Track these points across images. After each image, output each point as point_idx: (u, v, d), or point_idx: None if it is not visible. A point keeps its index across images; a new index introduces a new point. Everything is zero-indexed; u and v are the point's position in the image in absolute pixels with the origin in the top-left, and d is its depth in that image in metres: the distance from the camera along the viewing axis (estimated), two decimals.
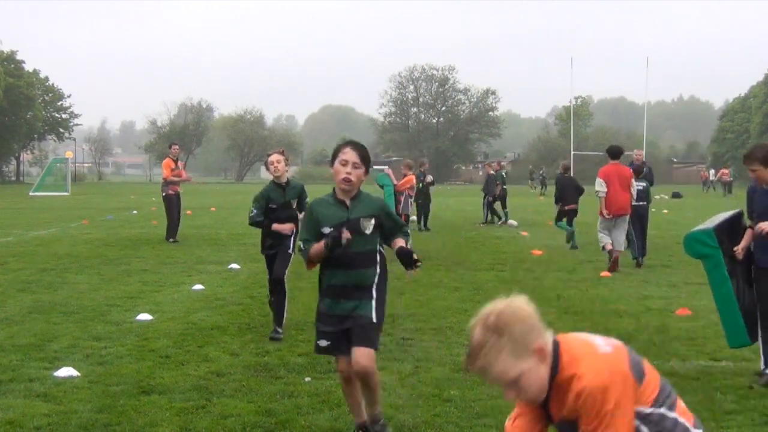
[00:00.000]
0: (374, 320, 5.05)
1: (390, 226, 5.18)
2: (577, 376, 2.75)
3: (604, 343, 2.88)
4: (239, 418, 5.69)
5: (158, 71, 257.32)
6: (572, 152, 77.45)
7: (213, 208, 33.22)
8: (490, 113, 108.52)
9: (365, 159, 5.07)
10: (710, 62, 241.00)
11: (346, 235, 4.89)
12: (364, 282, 5.06)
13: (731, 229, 6.86)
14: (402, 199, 16.69)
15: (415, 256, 5.07)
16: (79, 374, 6.76)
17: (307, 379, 6.71)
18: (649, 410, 2.85)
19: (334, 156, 5.11)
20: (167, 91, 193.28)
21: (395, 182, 16.85)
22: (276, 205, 8.20)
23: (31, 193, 47.80)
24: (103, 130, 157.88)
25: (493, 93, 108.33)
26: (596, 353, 2.82)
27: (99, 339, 8.17)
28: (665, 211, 32.04)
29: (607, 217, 13.93)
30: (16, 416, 5.68)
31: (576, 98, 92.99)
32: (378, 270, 5.14)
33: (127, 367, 7.05)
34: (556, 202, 18.74)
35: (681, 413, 2.92)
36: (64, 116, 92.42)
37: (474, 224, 25.00)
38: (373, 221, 5.02)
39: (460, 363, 6.82)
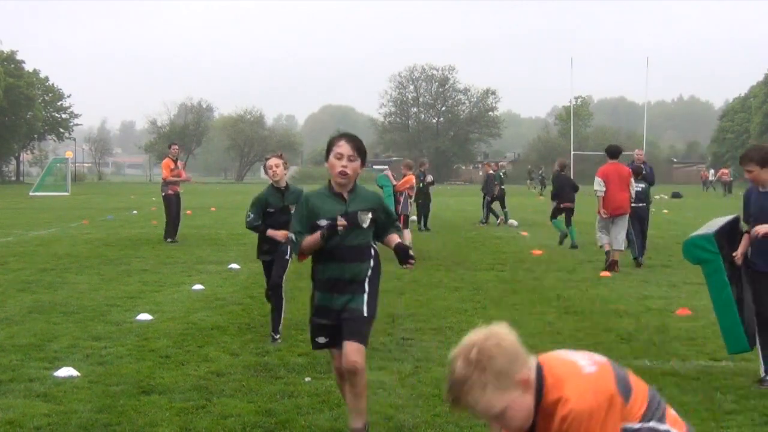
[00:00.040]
0: (365, 314, 5.01)
1: (384, 221, 5.17)
2: (562, 400, 2.67)
3: (588, 363, 2.80)
4: (239, 418, 5.69)
5: (158, 71, 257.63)
6: (572, 152, 77.45)
7: (213, 208, 33.22)
8: (490, 113, 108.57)
9: (361, 151, 5.00)
10: (710, 62, 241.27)
11: (342, 222, 4.87)
12: (357, 276, 5.02)
13: (730, 235, 6.85)
14: (401, 200, 16.67)
15: (410, 252, 5.06)
16: (79, 374, 6.76)
17: (307, 379, 6.71)
18: (637, 426, 2.78)
19: (329, 149, 5.04)
20: (167, 91, 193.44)
21: (395, 183, 16.84)
22: (274, 209, 8.10)
23: (31, 193, 47.80)
24: (103, 130, 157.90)
25: (493, 93, 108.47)
26: (580, 374, 2.74)
27: (99, 339, 8.18)
28: (665, 211, 32.04)
29: (604, 216, 13.97)
30: (16, 416, 5.68)
31: (576, 98, 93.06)
32: (371, 264, 5.10)
33: (127, 367, 7.05)
34: (553, 198, 18.80)
35: (672, 423, 2.85)
36: (64, 116, 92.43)
37: (473, 224, 25.01)
38: (370, 215, 5.00)
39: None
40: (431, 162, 50.08)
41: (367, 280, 5.06)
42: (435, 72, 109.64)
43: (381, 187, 17.14)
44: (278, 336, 8.11)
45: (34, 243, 18.01)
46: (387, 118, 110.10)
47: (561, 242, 18.05)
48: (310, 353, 7.17)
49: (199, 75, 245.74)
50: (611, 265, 13.75)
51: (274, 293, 8.18)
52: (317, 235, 4.95)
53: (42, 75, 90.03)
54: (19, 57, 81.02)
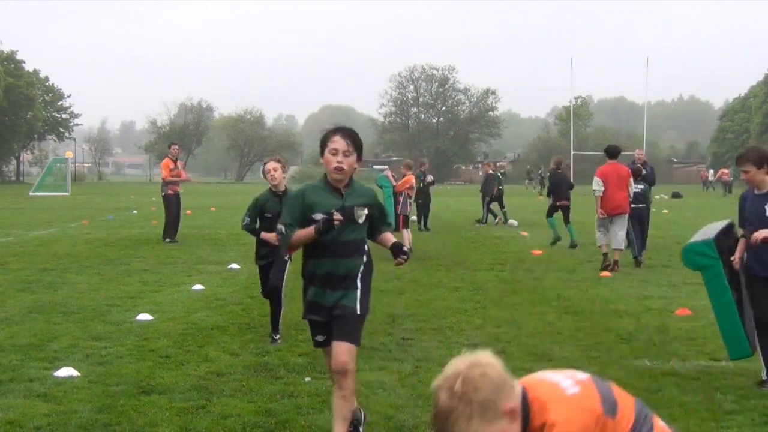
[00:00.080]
0: (359, 312, 4.92)
1: (378, 217, 5.12)
2: (548, 425, 2.61)
3: (570, 383, 2.74)
4: (239, 418, 5.69)
5: (158, 71, 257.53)
6: (572, 152, 77.47)
7: (213, 208, 33.23)
8: (490, 113, 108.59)
9: (356, 145, 4.92)
10: (710, 62, 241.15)
11: (338, 217, 4.79)
12: (351, 272, 4.93)
13: (726, 240, 6.84)
14: (401, 200, 16.68)
15: (404, 248, 5.06)
16: (79, 374, 6.76)
17: (307, 379, 6.71)
18: None
19: (323, 144, 4.95)
20: (167, 91, 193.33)
21: (395, 183, 16.84)
22: (271, 214, 7.91)
23: (31, 193, 47.81)
24: (103, 130, 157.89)
25: (493, 93, 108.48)
26: (564, 396, 2.69)
27: (99, 339, 8.18)
28: (665, 211, 32.05)
29: (601, 216, 14.01)
30: (16, 416, 5.68)
31: (576, 98, 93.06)
32: (365, 260, 5.01)
33: (127, 367, 7.05)
34: (548, 195, 18.88)
35: None
36: (64, 116, 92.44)
37: (473, 224, 25.02)
38: (366, 211, 4.94)
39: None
40: (431, 162, 50.08)
41: (359, 276, 4.96)
42: (435, 72, 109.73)
43: (381, 188, 17.17)
44: (278, 336, 8.10)
45: (34, 243, 18.01)
46: (387, 118, 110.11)
47: (553, 243, 18.09)
48: (310, 353, 7.18)
49: (199, 75, 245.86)
50: (610, 265, 13.77)
51: (273, 295, 8.14)
52: (311, 229, 4.86)
53: (42, 75, 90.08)
54: (19, 57, 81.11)
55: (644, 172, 16.06)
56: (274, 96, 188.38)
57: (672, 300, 10.81)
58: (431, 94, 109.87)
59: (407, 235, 16.33)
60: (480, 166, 78.23)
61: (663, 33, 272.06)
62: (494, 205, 25.73)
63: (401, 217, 16.47)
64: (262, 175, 8.32)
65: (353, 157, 4.89)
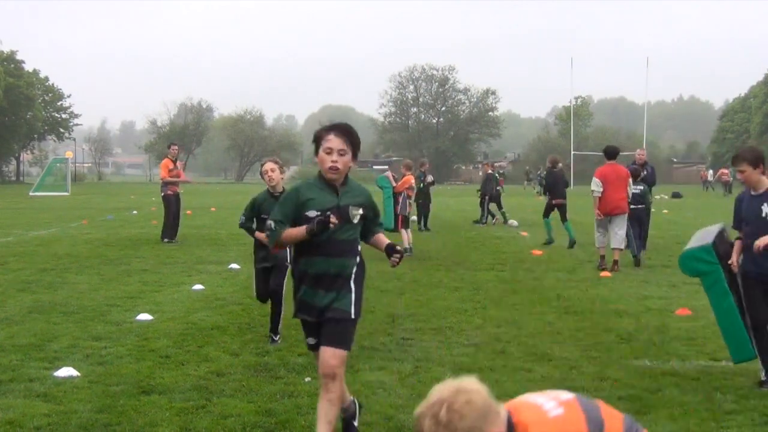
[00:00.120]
0: (353, 316, 4.82)
1: (372, 218, 5.04)
2: None
3: (554, 405, 2.68)
4: (239, 418, 5.69)
5: (158, 71, 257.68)
6: (572, 152, 77.58)
7: (213, 208, 33.23)
8: (490, 113, 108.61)
9: (352, 143, 4.79)
10: (710, 62, 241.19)
11: (334, 220, 4.68)
12: (343, 271, 4.81)
13: (723, 244, 6.83)
14: (400, 200, 16.67)
15: (398, 248, 5.00)
16: (79, 374, 6.76)
17: (307, 379, 6.71)
18: None
19: (318, 143, 4.82)
20: (167, 91, 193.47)
21: (395, 184, 16.83)
22: (268, 215, 7.89)
23: (31, 193, 47.81)
24: (103, 130, 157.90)
25: (493, 93, 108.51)
26: (546, 419, 2.64)
27: (99, 339, 8.18)
28: (665, 211, 32.05)
29: (598, 217, 14.08)
30: (16, 416, 5.68)
31: (576, 98, 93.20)
32: (357, 261, 4.90)
33: (127, 367, 7.05)
34: (544, 193, 18.96)
35: None
36: (64, 116, 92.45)
37: (472, 224, 25.02)
38: (361, 211, 4.86)
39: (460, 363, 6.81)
40: (431, 162, 50.06)
41: (353, 278, 4.85)
42: (435, 72, 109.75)
43: (381, 188, 17.16)
44: (278, 337, 8.09)
45: (34, 243, 18.01)
46: (387, 118, 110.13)
47: (546, 244, 18.15)
48: (310, 353, 7.17)
49: (199, 75, 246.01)
50: (606, 267, 13.84)
51: (273, 298, 8.11)
52: (302, 229, 4.74)
53: (42, 75, 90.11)
54: (19, 57, 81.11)
55: (644, 173, 16.08)
56: (274, 96, 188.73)
57: (672, 300, 10.81)
58: (431, 94, 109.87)
59: (405, 235, 16.32)
60: (480, 166, 78.33)
61: (663, 33, 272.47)
62: (492, 206, 25.75)
63: (400, 217, 16.47)
64: (260, 176, 8.28)
65: (348, 156, 4.78)
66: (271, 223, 4.87)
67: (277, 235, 4.83)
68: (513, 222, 25.02)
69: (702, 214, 28.38)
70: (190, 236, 19.56)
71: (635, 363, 7.38)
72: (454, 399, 2.44)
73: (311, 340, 4.98)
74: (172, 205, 18.32)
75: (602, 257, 14.13)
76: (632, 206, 14.41)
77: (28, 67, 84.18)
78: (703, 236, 7.03)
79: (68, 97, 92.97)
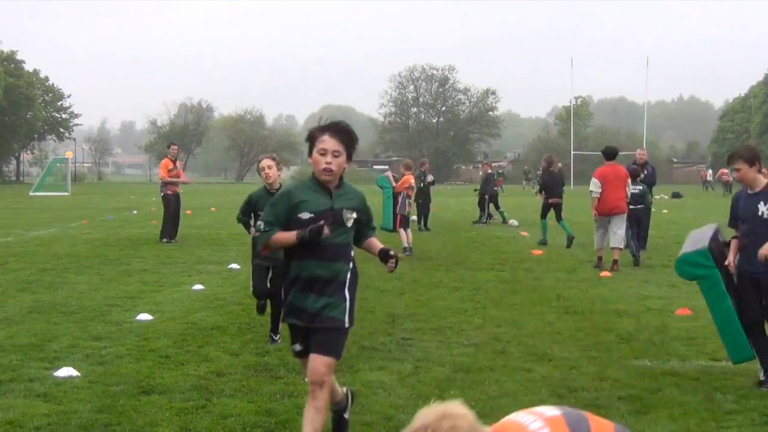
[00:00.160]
0: (347, 325, 4.71)
1: (365, 222, 4.91)
2: None
3: (539, 425, 2.60)
4: (239, 418, 5.69)
5: (158, 71, 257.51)
6: (572, 152, 77.57)
7: (213, 208, 33.24)
8: (490, 113, 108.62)
9: (347, 143, 4.65)
10: (710, 62, 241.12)
11: (326, 232, 4.58)
12: (337, 276, 4.68)
13: (718, 245, 6.84)
14: (399, 200, 16.67)
15: (392, 252, 4.87)
16: (79, 374, 6.76)
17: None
18: None
19: (312, 143, 4.69)
20: (167, 91, 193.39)
21: (395, 185, 16.84)
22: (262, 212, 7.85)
23: (31, 193, 47.81)
24: (103, 130, 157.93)
25: (493, 93, 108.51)
26: None
27: (99, 339, 8.18)
28: (665, 211, 32.05)
29: (595, 218, 14.17)
30: (16, 416, 5.68)
31: (576, 98, 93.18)
32: (351, 266, 4.78)
33: (127, 367, 7.05)
34: (540, 192, 19.05)
35: None
36: (64, 116, 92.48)
37: (472, 224, 25.03)
38: (355, 215, 4.74)
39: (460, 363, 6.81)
40: (431, 162, 50.09)
41: (347, 285, 4.73)
42: (435, 72, 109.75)
43: (381, 188, 17.17)
44: (278, 337, 8.09)
45: (34, 243, 18.01)
46: (387, 118, 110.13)
47: (543, 243, 18.20)
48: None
49: (199, 75, 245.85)
50: (602, 268, 13.89)
51: (274, 298, 8.09)
52: (293, 234, 4.62)
53: (42, 75, 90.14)
54: (19, 57, 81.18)
55: (643, 174, 16.11)
56: (274, 96, 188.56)
57: (672, 300, 10.81)
58: (431, 94, 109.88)
59: (404, 235, 16.31)
60: (480, 166, 78.40)
61: (663, 33, 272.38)
62: (490, 206, 25.79)
63: (399, 216, 16.46)
64: (257, 173, 8.24)
65: (343, 158, 4.64)
66: (261, 224, 4.77)
67: (266, 238, 4.72)
68: (513, 222, 25.03)
69: (702, 214, 28.37)
70: (190, 236, 19.56)
71: (635, 363, 7.38)
72: (438, 425, 2.38)
73: (298, 347, 4.84)
74: (171, 205, 18.32)
75: (600, 258, 14.19)
76: (631, 206, 14.46)
77: (28, 67, 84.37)
78: (698, 238, 7.02)
79: (68, 97, 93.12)
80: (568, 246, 17.58)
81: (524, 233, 21.32)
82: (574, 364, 7.32)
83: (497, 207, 25.90)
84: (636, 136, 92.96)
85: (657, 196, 32.53)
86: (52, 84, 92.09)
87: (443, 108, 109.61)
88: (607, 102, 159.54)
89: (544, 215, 18.66)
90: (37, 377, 6.70)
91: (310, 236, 4.58)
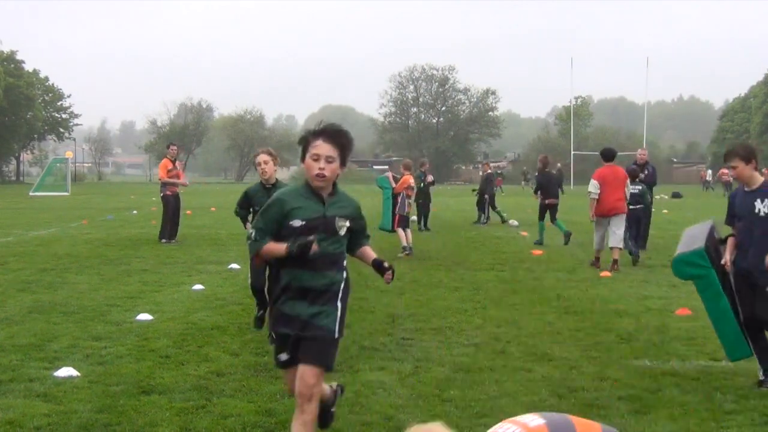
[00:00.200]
0: (336, 335, 4.54)
1: (359, 229, 4.75)
2: None
3: None
4: (239, 418, 5.69)
5: (158, 71, 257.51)
6: (572, 152, 77.59)
7: (213, 208, 33.22)
8: (490, 113, 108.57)
9: (342, 148, 4.49)
10: (710, 62, 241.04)
11: (315, 248, 4.41)
12: (331, 286, 4.54)
13: (713, 243, 6.85)
14: (399, 200, 16.67)
15: (386, 264, 4.73)
16: (79, 374, 6.76)
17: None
18: None
19: (305, 148, 4.54)
20: (167, 91, 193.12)
21: (394, 185, 16.83)
22: (260, 207, 7.81)
23: (31, 193, 47.80)
24: (103, 130, 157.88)
25: (493, 93, 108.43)
26: None
27: (99, 339, 8.18)
28: (665, 211, 32.05)
29: (592, 220, 14.27)
30: (16, 416, 5.68)
31: (576, 98, 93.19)
32: (344, 276, 4.64)
33: (127, 367, 7.05)
34: (535, 193, 19.28)
35: None
36: (64, 116, 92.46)
37: (472, 224, 25.03)
38: (348, 223, 4.61)
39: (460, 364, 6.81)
40: (431, 162, 50.11)
41: (340, 294, 4.57)
42: (435, 72, 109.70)
43: (381, 189, 17.17)
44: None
45: (34, 243, 18.01)
46: (387, 118, 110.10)
47: (539, 243, 18.26)
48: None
49: (199, 75, 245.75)
50: (601, 265, 13.95)
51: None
52: (282, 247, 4.47)
53: (42, 75, 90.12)
54: (19, 57, 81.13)
55: (643, 174, 16.13)
56: (274, 96, 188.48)
57: (672, 300, 10.82)
58: (431, 94, 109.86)
59: (403, 234, 16.30)
60: (480, 166, 78.42)
61: (663, 33, 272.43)
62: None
63: (398, 216, 16.45)
64: (254, 167, 8.19)
65: (336, 163, 4.48)
66: (252, 232, 4.63)
67: (257, 248, 4.59)
68: (513, 222, 25.03)
69: (702, 214, 28.35)
70: (190, 236, 19.57)
71: (635, 363, 7.38)
72: None
73: (284, 356, 4.63)
74: (170, 206, 18.32)
75: (597, 259, 14.22)
76: (631, 206, 14.49)
77: (28, 67, 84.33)
78: (694, 236, 7.03)
79: (68, 97, 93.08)
80: (566, 243, 17.72)
81: (524, 233, 21.32)
82: (574, 364, 7.32)
83: (494, 207, 25.91)
84: (636, 136, 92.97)
85: (657, 196, 32.57)
86: (52, 84, 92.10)
87: (443, 108, 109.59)
88: (607, 102, 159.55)
89: (541, 216, 18.74)
90: (37, 377, 6.70)
91: (298, 251, 4.41)
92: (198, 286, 11.55)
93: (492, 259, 15.61)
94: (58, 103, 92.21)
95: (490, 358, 7.48)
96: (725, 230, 7.02)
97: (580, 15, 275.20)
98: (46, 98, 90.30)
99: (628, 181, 14.42)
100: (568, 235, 17.77)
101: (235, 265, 13.93)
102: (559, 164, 60.19)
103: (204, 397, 6.20)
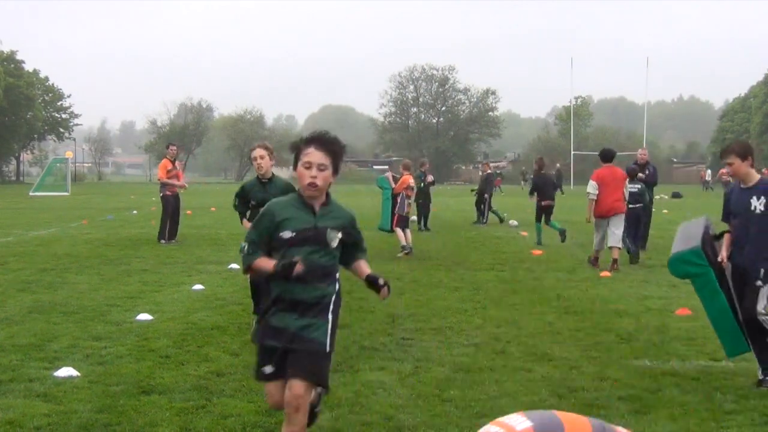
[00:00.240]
0: (328, 349, 4.42)
1: (353, 241, 4.62)
2: None
3: None
4: (239, 418, 5.69)
5: (158, 71, 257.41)
6: (572, 152, 77.57)
7: (213, 208, 33.22)
8: (490, 113, 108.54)
9: (334, 155, 4.40)
10: (710, 62, 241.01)
11: (299, 269, 4.30)
12: (322, 299, 4.44)
13: (709, 241, 6.86)
14: (399, 200, 16.67)
15: (380, 281, 4.59)
16: (79, 374, 6.76)
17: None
18: None
19: (296, 156, 4.43)
20: (167, 91, 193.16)
21: (393, 186, 16.84)
22: (256, 201, 7.67)
23: (31, 193, 47.80)
24: (103, 130, 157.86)
25: (493, 93, 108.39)
26: None
27: (99, 339, 8.18)
28: (665, 211, 32.04)
29: (588, 222, 14.36)
30: (16, 416, 5.68)
31: (576, 98, 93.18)
32: (337, 288, 4.54)
33: (127, 367, 7.05)
34: (531, 194, 19.47)
35: None
36: (64, 116, 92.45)
37: (472, 224, 25.04)
38: (339, 235, 4.48)
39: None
40: (431, 162, 50.11)
41: (331, 306, 4.47)
42: (435, 72, 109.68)
43: (381, 189, 17.18)
44: None
45: (34, 243, 18.01)
46: (387, 118, 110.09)
47: (538, 244, 18.32)
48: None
49: (199, 75, 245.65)
50: (599, 265, 13.99)
51: None
52: (270, 265, 4.40)
53: (42, 75, 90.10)
54: (19, 57, 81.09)
55: (644, 174, 16.13)
56: (274, 96, 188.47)
57: (672, 300, 10.82)
58: (431, 94, 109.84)
59: (402, 234, 16.30)
60: (480, 166, 78.41)
61: (663, 33, 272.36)
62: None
63: (397, 216, 16.45)
64: (250, 161, 8.17)
65: (328, 172, 4.38)
66: (245, 245, 4.54)
67: (250, 261, 4.50)
68: (513, 222, 25.04)
69: (701, 215, 28.33)
70: (190, 236, 19.56)
71: (635, 363, 7.38)
72: None
73: (269, 369, 4.49)
74: (169, 206, 18.31)
75: (596, 258, 14.24)
76: (630, 205, 14.53)
77: (28, 67, 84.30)
78: (689, 235, 7.05)
79: (68, 97, 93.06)
80: (563, 240, 17.85)
81: (524, 233, 21.34)
82: (574, 364, 7.32)
83: (490, 207, 25.91)
84: (636, 136, 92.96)
85: (657, 196, 32.58)
86: (52, 84, 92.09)
87: (443, 108, 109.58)
88: (607, 102, 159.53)
89: (538, 218, 18.86)
90: (37, 377, 6.70)
91: (282, 272, 4.34)
92: (198, 286, 11.55)
93: (492, 259, 15.61)
94: (58, 103, 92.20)
95: (490, 358, 7.48)
96: (720, 227, 7.04)
97: (580, 15, 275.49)
98: (46, 98, 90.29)
99: (627, 180, 14.45)
100: (563, 233, 17.96)
101: (235, 265, 13.93)
102: (558, 164, 60.01)
103: (204, 397, 6.20)
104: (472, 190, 27.39)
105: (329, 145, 4.41)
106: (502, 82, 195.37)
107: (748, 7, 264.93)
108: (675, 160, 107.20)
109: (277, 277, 4.40)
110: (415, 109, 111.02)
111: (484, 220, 25.40)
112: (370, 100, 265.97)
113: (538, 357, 7.55)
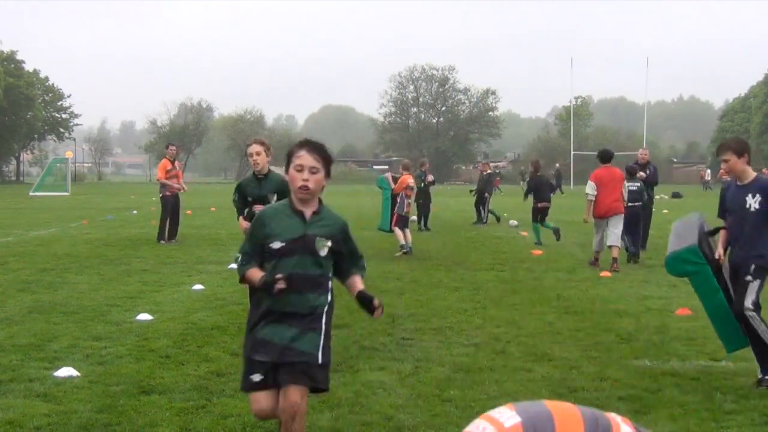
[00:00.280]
0: (320, 361, 4.36)
1: (347, 252, 4.55)
2: None
3: None
4: (239, 418, 5.69)
5: (158, 71, 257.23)
6: (572, 152, 77.56)
7: (213, 208, 33.22)
8: (490, 113, 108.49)
9: (325, 159, 4.41)
10: (710, 62, 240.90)
11: (280, 286, 4.25)
12: (314, 310, 4.38)
13: (704, 239, 6.88)
14: (398, 200, 16.67)
15: (375, 302, 4.57)
16: (79, 374, 6.76)
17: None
18: None
19: (289, 160, 4.42)
20: (167, 91, 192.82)
21: (393, 186, 16.83)
22: (252, 198, 7.65)
23: (31, 193, 47.80)
24: (103, 130, 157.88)
25: (493, 93, 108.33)
26: None
27: (99, 339, 8.18)
28: (665, 211, 32.08)
29: (586, 222, 14.44)
30: (16, 416, 5.68)
31: (576, 98, 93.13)
32: (329, 299, 4.47)
33: (127, 367, 7.05)
34: (526, 196, 19.59)
35: None
36: (64, 116, 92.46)
37: (472, 224, 25.04)
38: (329, 243, 4.42)
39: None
40: (431, 162, 50.12)
41: (324, 317, 4.42)
42: (435, 72, 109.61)
43: (381, 189, 17.17)
44: None
45: (34, 243, 18.01)
46: (387, 118, 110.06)
47: (538, 242, 18.39)
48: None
49: (199, 75, 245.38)
50: (599, 265, 14.01)
51: None
52: (257, 278, 4.39)
53: (42, 75, 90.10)
54: (19, 57, 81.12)
55: (645, 174, 16.12)
56: (274, 96, 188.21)
57: (672, 300, 10.82)
58: (431, 94, 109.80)
59: (401, 234, 16.29)
60: (479, 166, 78.44)
61: (663, 33, 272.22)
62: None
63: (396, 216, 16.45)
64: (246, 157, 8.10)
65: (320, 174, 4.38)
66: (238, 256, 4.54)
67: (243, 272, 4.50)
68: (513, 222, 25.04)
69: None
70: (190, 236, 19.56)
71: (635, 363, 7.38)
72: None
73: (257, 377, 4.41)
74: (168, 207, 18.30)
75: (596, 259, 14.28)
76: (629, 204, 14.56)
77: (28, 67, 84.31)
78: (684, 233, 7.05)
79: (68, 97, 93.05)
80: (558, 238, 18.01)
81: (524, 233, 21.33)
82: (574, 364, 7.32)
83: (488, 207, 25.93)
84: (636, 136, 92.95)
85: (657, 196, 32.62)
86: (52, 84, 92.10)
87: (443, 108, 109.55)
88: (607, 102, 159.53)
89: (534, 219, 18.93)
90: (37, 377, 6.70)
91: (263, 287, 4.34)
92: (198, 286, 11.55)
93: (492, 259, 15.61)
94: (58, 103, 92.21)
95: (490, 358, 7.48)
96: (714, 223, 7.06)
97: (580, 15, 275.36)
98: (46, 98, 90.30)
99: (626, 179, 14.49)
100: (556, 231, 18.15)
101: (235, 265, 13.91)
102: (557, 164, 59.95)
103: (204, 397, 6.20)
104: (471, 191, 27.38)
105: (320, 150, 4.43)
106: (502, 82, 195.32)
107: (748, 7, 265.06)
108: (675, 160, 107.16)
109: (261, 290, 4.39)
110: (415, 109, 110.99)
111: (484, 220, 25.40)
112: (370, 100, 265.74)
113: (538, 357, 7.55)
